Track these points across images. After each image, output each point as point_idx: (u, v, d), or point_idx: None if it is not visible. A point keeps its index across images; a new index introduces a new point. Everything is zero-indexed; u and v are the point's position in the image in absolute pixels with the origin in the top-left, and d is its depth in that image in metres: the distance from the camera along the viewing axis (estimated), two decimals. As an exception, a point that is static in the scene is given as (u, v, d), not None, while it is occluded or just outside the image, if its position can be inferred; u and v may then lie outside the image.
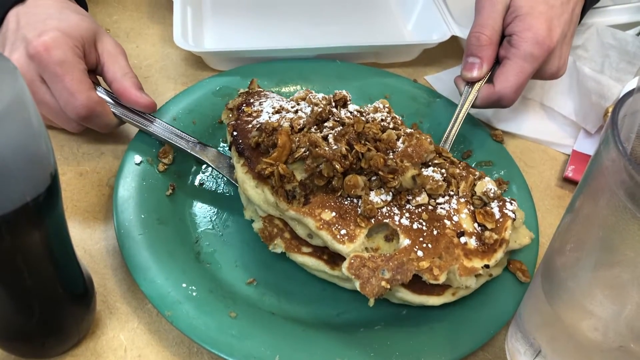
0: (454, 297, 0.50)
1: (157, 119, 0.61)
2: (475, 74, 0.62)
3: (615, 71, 0.69)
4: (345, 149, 0.49)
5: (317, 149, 0.49)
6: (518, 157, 0.68)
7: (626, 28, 0.75)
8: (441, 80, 0.76)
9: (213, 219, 0.58)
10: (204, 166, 0.62)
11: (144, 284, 0.50)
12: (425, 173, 0.51)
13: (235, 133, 0.55)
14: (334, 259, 0.51)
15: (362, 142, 0.51)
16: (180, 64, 0.75)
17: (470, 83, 0.63)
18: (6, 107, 0.31)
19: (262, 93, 0.60)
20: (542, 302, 0.45)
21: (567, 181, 0.66)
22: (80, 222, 0.58)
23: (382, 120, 0.54)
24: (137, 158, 0.59)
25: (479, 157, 0.64)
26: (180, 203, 0.58)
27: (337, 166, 0.48)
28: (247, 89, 0.61)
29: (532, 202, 0.60)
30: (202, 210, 0.58)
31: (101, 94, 0.60)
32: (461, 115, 0.63)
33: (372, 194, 0.50)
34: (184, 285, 0.50)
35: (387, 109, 0.56)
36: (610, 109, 0.66)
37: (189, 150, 0.60)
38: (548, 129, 0.70)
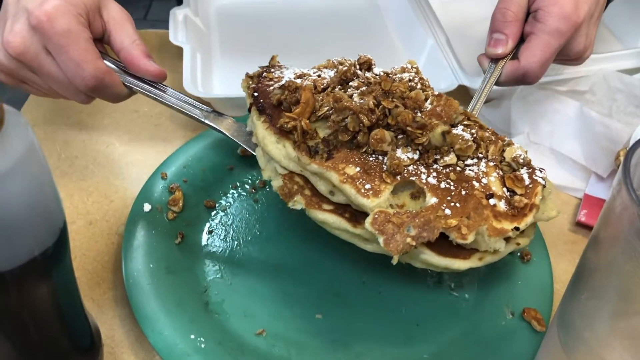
0: (481, 263, 0.47)
1: (168, 88, 0.59)
2: (500, 50, 0.61)
3: (623, 115, 0.69)
4: (373, 103, 0.48)
5: (343, 102, 0.48)
6: (529, 201, 0.67)
7: (633, 73, 0.76)
8: (449, 124, 0.76)
9: (222, 267, 0.57)
10: (213, 213, 0.62)
11: (152, 335, 0.49)
12: (455, 131, 0.49)
13: (256, 94, 0.54)
14: (356, 217, 0.48)
15: (390, 99, 0.49)
16: (190, 111, 0.76)
17: (494, 60, 0.62)
18: (17, 162, 0.31)
19: (283, 66, 0.58)
20: (559, 353, 0.44)
21: (581, 226, 0.66)
22: (89, 271, 0.57)
23: (409, 80, 0.53)
24: (147, 206, 0.59)
25: (489, 202, 0.63)
26: (189, 251, 0.57)
27: (363, 119, 0.47)
28: (268, 64, 0.59)
29: (545, 248, 0.59)
30: (211, 259, 0.58)
31: (109, 63, 0.57)
32: (484, 93, 0.61)
33: (399, 151, 0.48)
34: (193, 336, 0.49)
35: (414, 70, 0.54)
36: (622, 153, 0.66)
37: (202, 119, 0.58)
38: (559, 173, 0.69)
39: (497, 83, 0.62)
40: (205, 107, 0.60)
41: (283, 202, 0.63)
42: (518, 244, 0.49)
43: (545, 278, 0.57)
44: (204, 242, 0.59)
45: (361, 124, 0.47)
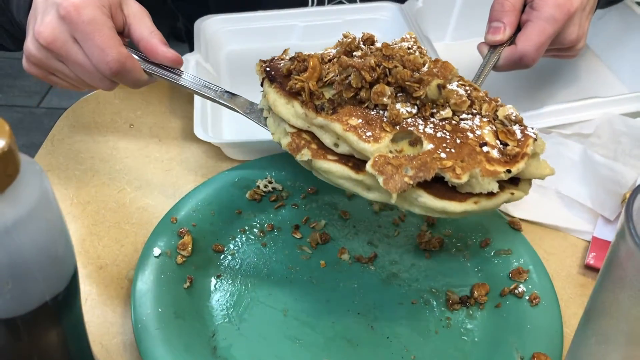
0: (476, 207, 0.49)
1: (184, 72, 0.63)
2: (498, 37, 0.66)
3: (628, 157, 0.70)
4: (374, 62, 0.53)
5: (346, 60, 0.53)
6: (537, 244, 0.67)
7: (637, 116, 0.76)
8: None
9: (230, 312, 0.57)
10: (221, 257, 0.63)
11: (160, 380, 0.49)
12: (450, 87, 0.53)
13: (268, 69, 0.59)
14: (359, 166, 0.51)
15: (390, 62, 0.54)
16: (200, 156, 0.77)
17: (493, 47, 0.66)
18: (31, 209, 0.32)
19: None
20: (570, 399, 0.43)
21: (589, 268, 0.65)
22: (99, 316, 0.58)
23: (408, 48, 0.57)
24: (156, 251, 0.59)
25: (497, 246, 0.64)
26: (197, 296, 0.58)
27: (365, 76, 0.52)
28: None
29: (554, 291, 0.59)
30: (219, 303, 0.58)
31: (130, 52, 0.61)
32: (481, 78, 0.65)
33: (398, 105, 0.52)
34: (200, 382, 0.49)
35: (413, 39, 0.59)
36: (629, 195, 0.66)
37: (217, 99, 0.62)
38: (566, 216, 0.70)
39: (495, 68, 0.66)
40: (219, 87, 0.63)
41: (291, 247, 0.64)
42: (512, 193, 0.52)
43: (554, 322, 0.56)
44: (212, 287, 0.60)
45: (363, 80, 0.52)
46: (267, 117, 0.59)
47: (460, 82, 0.55)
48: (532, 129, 0.53)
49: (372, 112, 0.52)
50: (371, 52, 0.56)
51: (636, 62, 0.88)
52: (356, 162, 0.51)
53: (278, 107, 0.55)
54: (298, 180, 0.71)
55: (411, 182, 0.47)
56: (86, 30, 0.57)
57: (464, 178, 0.48)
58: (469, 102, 0.53)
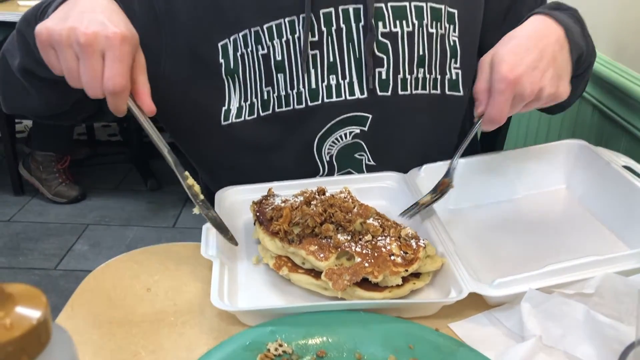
0: (390, 295, 0.79)
1: (153, 126, 0.81)
2: (479, 109, 0.89)
3: (633, 318, 0.71)
4: (321, 210, 0.84)
5: (305, 211, 0.83)
6: (550, 407, 0.67)
7: (637, 272, 0.79)
8: (464, 327, 0.78)
9: None
10: None
11: None
12: (369, 222, 0.84)
13: (258, 213, 0.89)
14: (318, 275, 0.80)
15: (332, 207, 0.84)
16: (214, 319, 0.79)
17: (478, 117, 0.90)
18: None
19: (276, 195, 0.93)
20: None
21: None
22: None
23: (345, 198, 0.88)
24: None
25: (508, 409, 0.63)
26: None
27: (317, 219, 0.82)
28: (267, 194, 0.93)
29: None
30: None
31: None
32: (467, 141, 0.94)
33: (339, 235, 0.82)
34: None
35: (347, 192, 0.91)
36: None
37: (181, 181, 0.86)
38: (576, 377, 0.69)
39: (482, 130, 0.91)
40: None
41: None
42: (414, 283, 0.81)
43: None
44: None
45: (315, 222, 0.82)
46: (259, 244, 0.87)
47: (375, 217, 0.86)
48: (423, 241, 0.84)
49: (324, 241, 0.82)
50: (322, 201, 0.86)
51: (632, 220, 0.92)
52: (316, 272, 0.81)
53: (266, 243, 0.85)
54: (308, 342, 0.72)
55: (348, 284, 0.76)
56: (118, 54, 0.73)
57: (380, 278, 0.77)
58: (381, 230, 0.83)
